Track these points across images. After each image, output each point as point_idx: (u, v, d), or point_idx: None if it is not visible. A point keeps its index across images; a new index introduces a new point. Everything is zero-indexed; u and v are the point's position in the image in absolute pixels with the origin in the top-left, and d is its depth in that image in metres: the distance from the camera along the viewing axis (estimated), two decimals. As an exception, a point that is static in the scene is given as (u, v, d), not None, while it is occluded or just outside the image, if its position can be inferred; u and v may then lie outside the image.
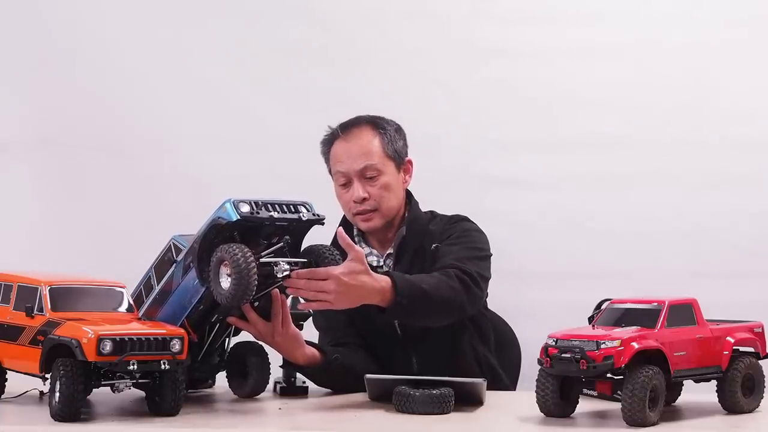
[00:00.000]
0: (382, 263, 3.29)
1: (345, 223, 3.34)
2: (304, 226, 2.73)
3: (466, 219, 3.35)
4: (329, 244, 2.91)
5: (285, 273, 2.68)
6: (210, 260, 2.61)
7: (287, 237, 2.71)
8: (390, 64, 4.50)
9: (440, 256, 3.17)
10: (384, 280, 2.86)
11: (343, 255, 2.79)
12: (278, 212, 2.65)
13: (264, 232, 2.69)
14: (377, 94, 4.35)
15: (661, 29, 4.42)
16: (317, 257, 2.73)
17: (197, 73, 4.54)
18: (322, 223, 2.74)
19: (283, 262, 2.68)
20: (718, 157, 4.35)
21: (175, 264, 2.76)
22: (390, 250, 3.29)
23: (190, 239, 2.74)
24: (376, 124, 3.30)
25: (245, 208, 2.61)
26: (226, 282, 2.57)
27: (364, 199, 3.23)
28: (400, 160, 3.30)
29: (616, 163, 4.39)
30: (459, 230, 3.27)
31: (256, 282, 2.55)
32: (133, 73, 4.54)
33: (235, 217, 2.60)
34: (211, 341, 2.88)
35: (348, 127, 3.30)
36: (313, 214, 2.71)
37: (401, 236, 3.27)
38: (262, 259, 2.65)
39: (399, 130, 3.33)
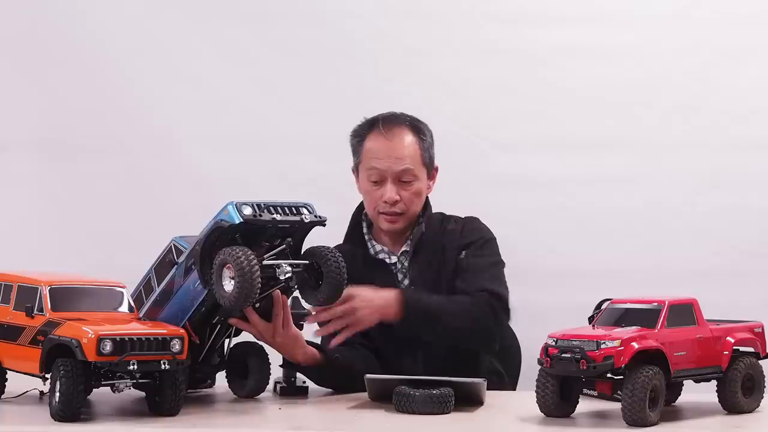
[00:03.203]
0: (395, 260, 3.29)
1: (355, 219, 3.35)
2: (305, 228, 2.73)
3: (478, 219, 3.38)
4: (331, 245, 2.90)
5: (287, 275, 2.68)
6: (212, 263, 2.61)
7: (289, 239, 2.71)
8: (390, 64, 4.50)
9: (465, 267, 3.18)
10: (394, 291, 2.94)
11: (344, 257, 2.78)
12: (280, 215, 2.65)
13: (266, 234, 2.68)
14: (378, 94, 4.35)
15: (661, 29, 4.43)
16: (319, 259, 2.72)
17: (198, 73, 4.54)
18: (324, 225, 2.74)
19: (285, 264, 2.68)
20: (718, 157, 4.35)
21: (176, 266, 2.76)
22: (405, 248, 3.29)
23: (191, 241, 2.73)
24: (417, 128, 3.30)
25: (247, 211, 2.60)
26: (229, 285, 2.57)
27: (396, 202, 3.23)
28: (430, 167, 3.33)
29: (616, 163, 4.39)
30: (478, 237, 3.29)
31: (260, 285, 2.55)
32: (133, 73, 4.54)
33: (237, 219, 2.59)
34: (212, 342, 2.88)
35: (390, 124, 3.27)
36: (315, 216, 2.71)
37: (420, 234, 3.27)
38: (265, 262, 2.64)
39: (432, 136, 3.35)
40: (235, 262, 2.52)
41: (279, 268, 2.66)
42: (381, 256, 3.32)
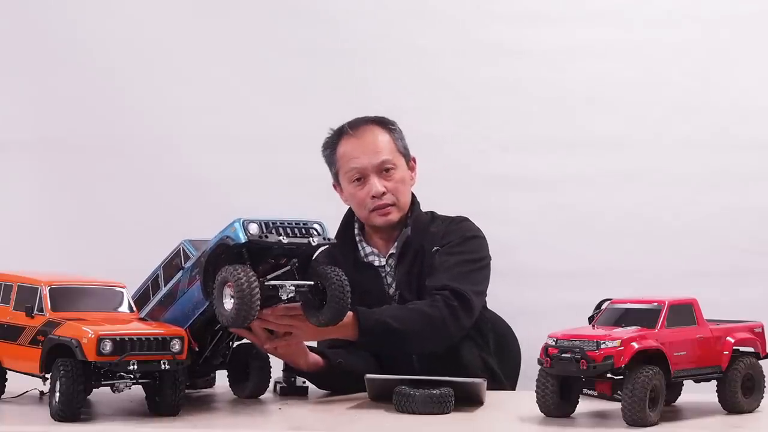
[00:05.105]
0: (384, 263, 3.30)
1: (346, 223, 3.35)
2: (313, 250, 2.69)
3: (466, 220, 3.36)
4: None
5: (290, 295, 2.66)
6: (215, 276, 2.59)
7: (294, 260, 2.67)
8: (392, 64, 4.50)
9: (436, 265, 3.19)
10: (348, 316, 2.87)
11: (347, 271, 2.76)
12: (288, 236, 2.60)
13: (272, 252, 2.65)
14: (379, 94, 4.35)
15: (661, 29, 4.42)
16: (324, 280, 2.68)
17: (198, 73, 4.53)
18: (334, 246, 2.72)
19: (289, 284, 2.65)
20: (718, 157, 4.35)
21: (182, 271, 2.75)
22: (393, 250, 3.29)
23: (199, 245, 2.71)
24: (383, 122, 3.34)
25: (254, 230, 2.56)
26: (229, 303, 2.54)
27: (383, 194, 3.24)
28: (407, 157, 3.34)
29: (616, 163, 4.39)
30: (458, 236, 3.28)
31: (258, 307, 2.53)
32: (133, 72, 4.54)
33: (243, 239, 2.55)
34: (213, 347, 2.87)
35: (356, 126, 3.32)
36: (324, 239, 2.66)
37: (405, 236, 3.28)
38: (268, 282, 2.62)
39: (400, 130, 3.36)
40: (236, 282, 2.50)
41: (282, 288, 2.64)
42: (370, 258, 3.32)
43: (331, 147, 3.33)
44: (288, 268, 2.67)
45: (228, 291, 2.55)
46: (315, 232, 2.66)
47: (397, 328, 2.98)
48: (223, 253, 2.61)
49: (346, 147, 3.29)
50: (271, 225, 2.60)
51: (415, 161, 3.38)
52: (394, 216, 3.28)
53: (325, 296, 2.69)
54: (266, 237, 2.57)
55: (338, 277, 2.68)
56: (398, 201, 3.28)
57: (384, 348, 3.07)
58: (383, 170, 3.26)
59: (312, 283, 2.69)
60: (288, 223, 2.63)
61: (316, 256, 2.75)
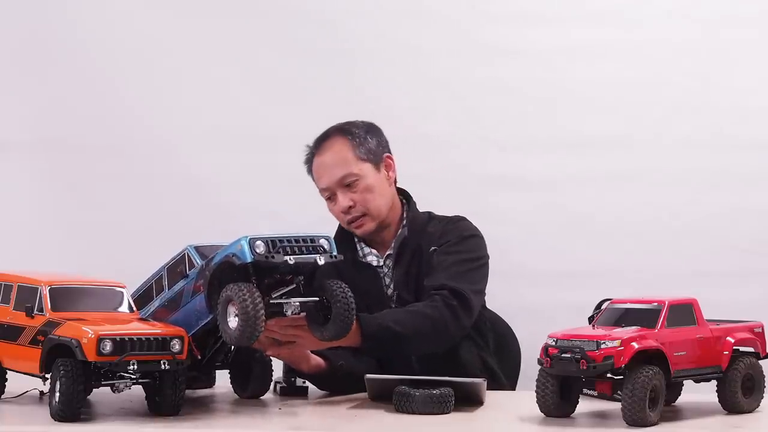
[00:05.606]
0: (381, 263, 3.30)
1: (343, 227, 3.35)
2: (319, 268, 2.67)
3: (463, 220, 3.35)
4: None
5: (295, 311, 2.65)
6: (221, 289, 2.57)
7: (301, 278, 2.67)
8: (390, 64, 4.49)
9: (434, 265, 3.19)
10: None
11: (346, 271, 2.74)
12: (295, 253, 2.58)
13: (279, 270, 2.63)
14: (377, 94, 4.35)
15: (661, 29, 4.42)
16: (329, 296, 2.67)
17: (198, 73, 4.53)
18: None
19: (294, 301, 2.64)
20: (718, 157, 4.35)
21: (185, 279, 2.74)
22: (390, 251, 3.29)
23: (204, 251, 2.70)
24: (344, 130, 3.30)
25: (261, 249, 2.54)
26: (233, 321, 2.53)
27: (350, 207, 3.24)
28: (375, 158, 3.29)
29: (616, 163, 4.39)
30: (455, 236, 3.27)
31: (263, 327, 2.52)
32: (134, 72, 4.53)
33: (249, 258, 2.53)
34: (215, 351, 2.86)
35: (319, 142, 3.31)
36: (331, 256, 2.63)
37: (402, 237, 3.28)
38: (273, 300, 2.61)
39: (369, 129, 3.32)
40: (240, 303, 2.49)
41: (287, 305, 2.63)
42: (369, 258, 3.32)
43: (308, 163, 3.34)
44: (294, 286, 2.66)
45: (232, 309, 2.53)
46: (322, 249, 2.63)
47: (399, 331, 2.97)
48: (229, 268, 2.60)
49: (315, 165, 3.30)
50: (278, 243, 2.57)
51: (391, 159, 3.33)
52: (369, 225, 3.27)
53: (329, 311, 2.67)
54: (272, 257, 2.54)
55: (343, 294, 2.66)
56: (369, 210, 3.26)
57: (387, 352, 3.07)
58: (345, 185, 3.25)
59: (317, 299, 2.68)
60: (295, 240, 2.60)
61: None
